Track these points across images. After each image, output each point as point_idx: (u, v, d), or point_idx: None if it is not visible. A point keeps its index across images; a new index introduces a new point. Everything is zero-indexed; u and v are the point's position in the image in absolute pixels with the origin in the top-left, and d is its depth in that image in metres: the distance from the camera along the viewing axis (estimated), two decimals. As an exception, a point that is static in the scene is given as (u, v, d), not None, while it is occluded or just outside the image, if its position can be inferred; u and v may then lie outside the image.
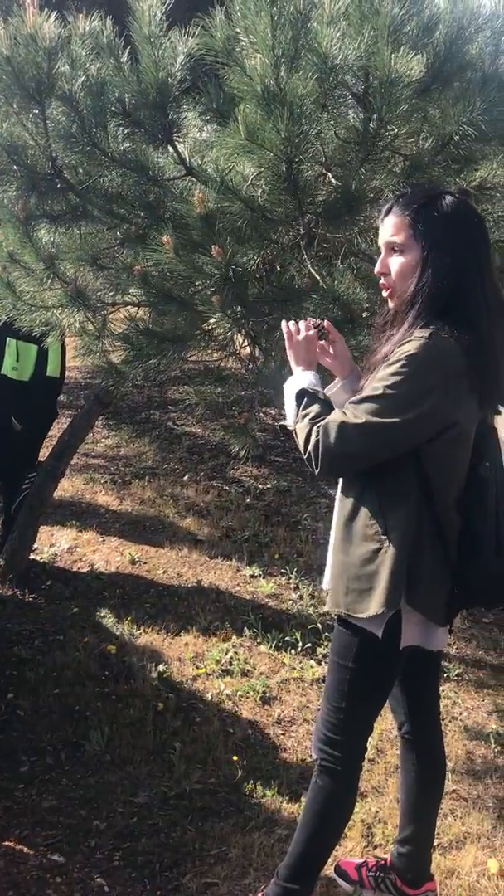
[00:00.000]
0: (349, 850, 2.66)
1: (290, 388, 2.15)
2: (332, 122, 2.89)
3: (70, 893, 2.46)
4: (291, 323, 2.22)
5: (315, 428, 1.96)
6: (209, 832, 2.70)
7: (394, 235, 2.03)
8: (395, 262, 2.04)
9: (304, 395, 2.08)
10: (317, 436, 1.94)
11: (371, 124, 2.78)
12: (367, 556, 2.00)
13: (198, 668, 3.63)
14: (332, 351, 2.31)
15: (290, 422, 2.12)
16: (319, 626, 3.93)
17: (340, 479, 2.13)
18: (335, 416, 1.95)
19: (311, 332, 2.20)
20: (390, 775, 3.02)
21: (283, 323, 2.23)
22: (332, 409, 2.02)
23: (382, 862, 2.52)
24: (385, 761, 3.09)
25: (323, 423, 1.95)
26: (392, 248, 2.05)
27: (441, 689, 3.23)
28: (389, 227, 2.04)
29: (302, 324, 2.21)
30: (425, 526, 2.00)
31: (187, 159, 3.08)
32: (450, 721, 3.39)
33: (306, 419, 2.01)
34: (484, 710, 3.47)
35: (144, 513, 5.37)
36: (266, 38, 2.66)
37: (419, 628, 2.07)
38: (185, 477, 6.04)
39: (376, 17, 2.76)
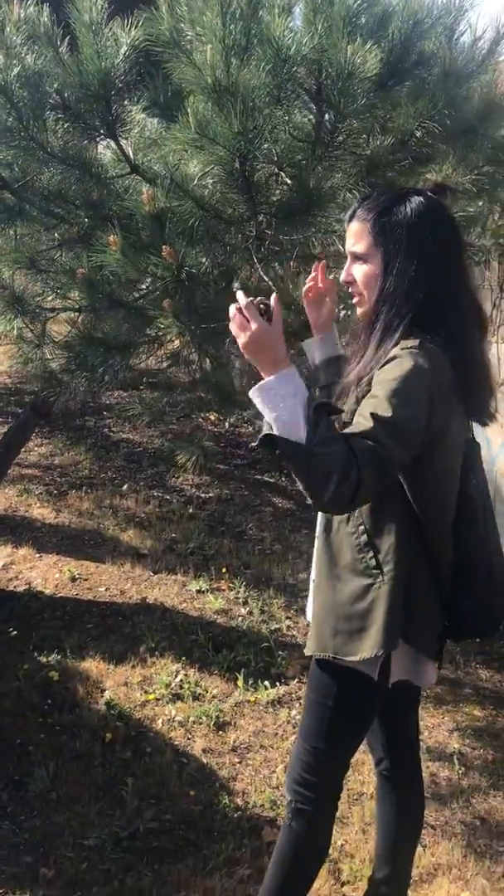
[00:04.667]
0: (316, 889, 2.50)
1: (288, 393, 1.60)
2: (285, 117, 2.75)
3: None
4: (233, 307, 1.65)
5: (353, 461, 1.55)
6: (166, 876, 2.52)
7: (355, 244, 1.91)
8: (359, 271, 1.92)
9: (319, 410, 1.59)
10: (357, 472, 1.55)
11: (327, 117, 2.65)
12: (359, 592, 1.84)
13: (146, 693, 3.43)
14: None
15: (287, 434, 1.57)
16: (272, 644, 3.78)
17: (321, 514, 1.93)
18: (365, 445, 1.58)
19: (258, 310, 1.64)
20: (353, 804, 2.88)
21: (232, 308, 1.65)
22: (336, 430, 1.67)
23: (354, 903, 2.38)
24: (349, 788, 2.94)
25: (358, 454, 1.56)
26: (356, 257, 1.92)
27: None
28: (351, 236, 1.93)
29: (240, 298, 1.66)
30: (418, 554, 1.85)
31: (131, 156, 2.90)
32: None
33: (333, 445, 1.57)
34: (445, 729, 3.36)
35: (83, 525, 5.14)
36: (216, 27, 2.50)
37: (409, 661, 1.92)
38: (125, 486, 5.83)
39: (330, 7, 2.64)
